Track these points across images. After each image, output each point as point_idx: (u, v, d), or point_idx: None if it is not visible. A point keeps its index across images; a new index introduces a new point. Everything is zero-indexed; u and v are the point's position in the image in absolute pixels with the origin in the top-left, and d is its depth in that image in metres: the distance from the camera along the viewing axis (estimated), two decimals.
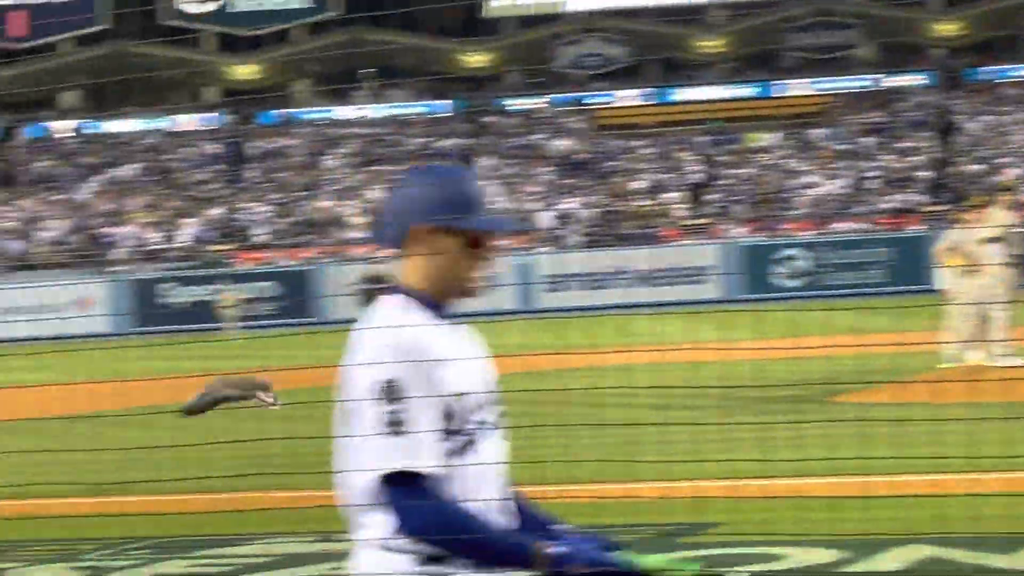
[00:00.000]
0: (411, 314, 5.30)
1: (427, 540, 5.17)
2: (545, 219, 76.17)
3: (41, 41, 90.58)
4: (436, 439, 5.18)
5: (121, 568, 14.59)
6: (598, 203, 77.92)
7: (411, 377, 5.15)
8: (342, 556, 5.55)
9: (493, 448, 5.40)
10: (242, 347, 46.85)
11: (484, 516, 5.21)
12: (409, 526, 5.15)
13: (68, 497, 16.50)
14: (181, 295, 69.73)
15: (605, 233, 73.86)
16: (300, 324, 63.35)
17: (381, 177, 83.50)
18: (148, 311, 67.44)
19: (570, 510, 7.33)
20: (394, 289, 5.47)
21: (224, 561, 14.87)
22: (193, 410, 19.11)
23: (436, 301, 5.40)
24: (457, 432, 5.25)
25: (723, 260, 66.55)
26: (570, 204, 78.58)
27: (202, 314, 63.86)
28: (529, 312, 62.11)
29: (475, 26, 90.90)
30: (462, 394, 5.24)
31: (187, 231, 79.36)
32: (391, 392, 5.11)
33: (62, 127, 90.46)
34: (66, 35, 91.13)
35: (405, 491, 5.13)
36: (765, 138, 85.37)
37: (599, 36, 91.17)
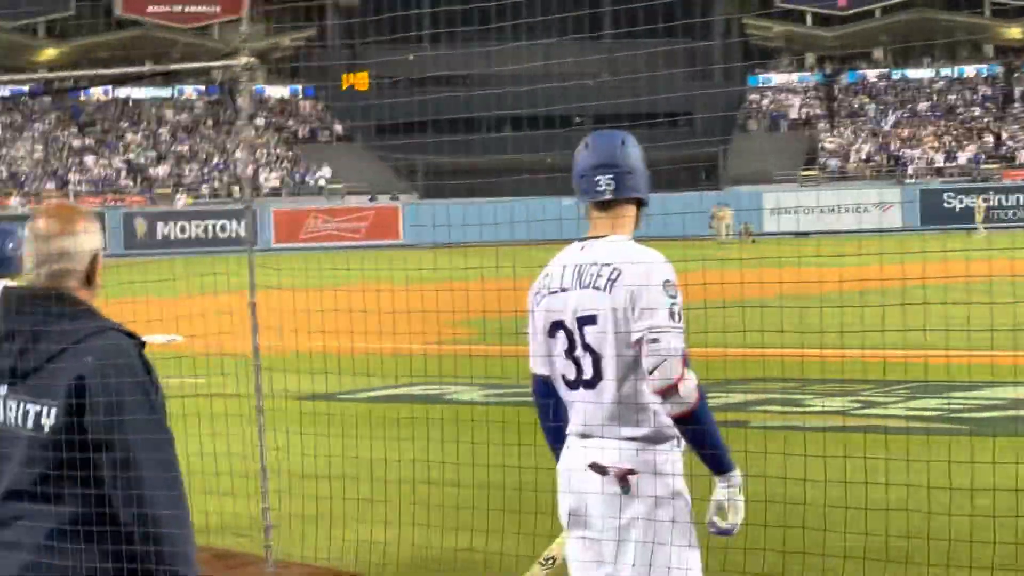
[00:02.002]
0: None
1: None
2: None
3: (860, 9, 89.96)
4: None
5: (885, 403, 14.88)
6: None
7: None
8: None
9: None
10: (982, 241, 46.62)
11: None
12: None
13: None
14: (958, 202, 68.88)
15: None
16: None
17: None
18: (933, 214, 67.09)
19: None
20: None
21: (974, 402, 14.75)
22: None
23: None
24: None
25: None
26: None
27: (966, 218, 63.57)
28: None
29: None
30: None
31: (964, 154, 77.89)
32: None
33: (873, 74, 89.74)
34: (880, 4, 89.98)
35: None
36: None
37: None
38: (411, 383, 16.43)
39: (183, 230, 70.92)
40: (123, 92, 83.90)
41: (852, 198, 67.80)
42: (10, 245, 9.19)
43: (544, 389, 5.63)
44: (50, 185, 73.28)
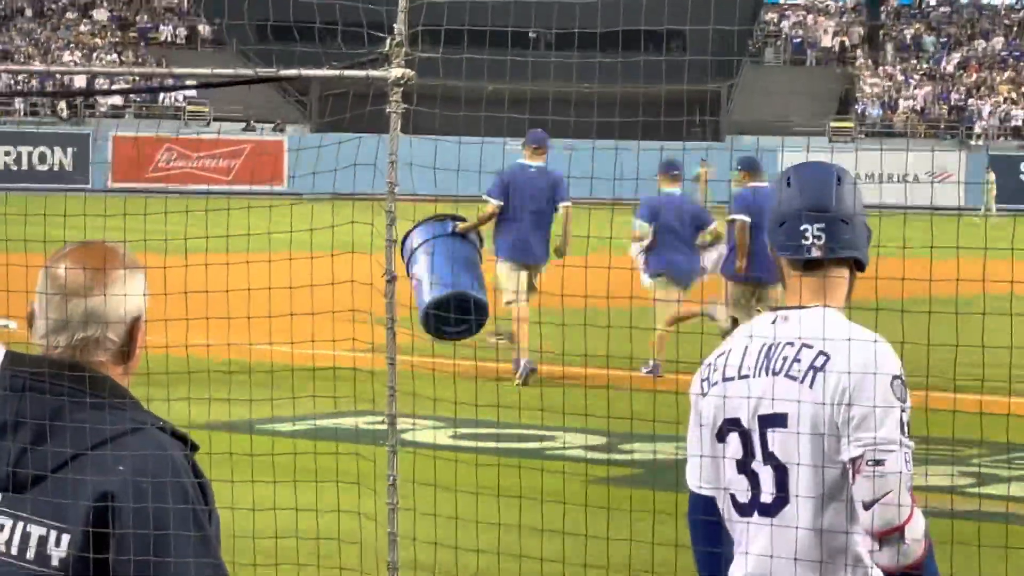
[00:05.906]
0: None
1: None
2: None
3: None
4: None
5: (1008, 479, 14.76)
6: None
7: None
8: None
9: None
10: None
11: None
12: None
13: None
14: None
15: None
16: None
17: None
18: (1005, 185, 67.40)
19: None
20: None
21: None
22: None
23: None
24: None
25: None
26: None
27: None
28: None
29: None
30: None
31: None
32: None
33: None
34: None
35: None
36: None
37: None
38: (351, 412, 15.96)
39: None
40: None
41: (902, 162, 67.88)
42: None
43: (706, 508, 5.46)
44: None
